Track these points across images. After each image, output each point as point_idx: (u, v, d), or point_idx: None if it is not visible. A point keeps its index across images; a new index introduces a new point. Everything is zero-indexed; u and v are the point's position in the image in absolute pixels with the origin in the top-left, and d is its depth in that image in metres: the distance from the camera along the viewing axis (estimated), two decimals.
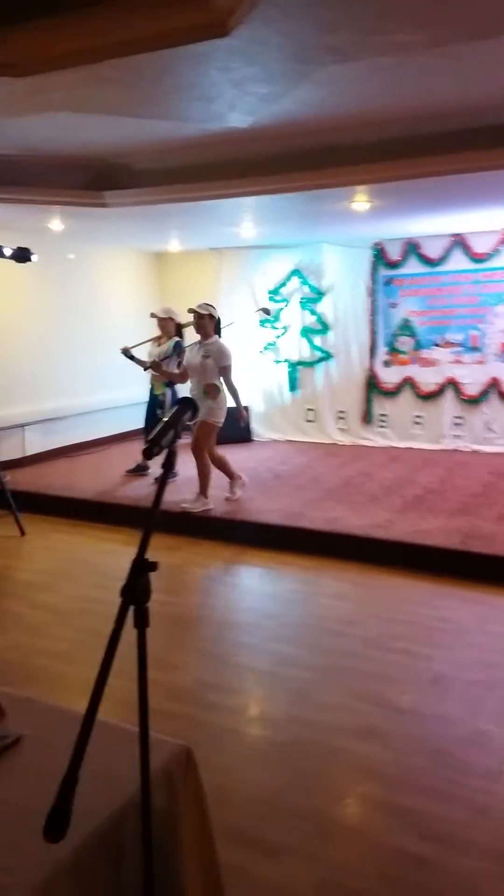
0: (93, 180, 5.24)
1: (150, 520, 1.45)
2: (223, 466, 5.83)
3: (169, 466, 1.54)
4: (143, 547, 1.41)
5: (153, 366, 6.17)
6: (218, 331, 6.89)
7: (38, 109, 3.24)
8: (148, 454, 1.55)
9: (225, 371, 5.65)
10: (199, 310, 5.73)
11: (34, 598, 4.35)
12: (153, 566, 1.39)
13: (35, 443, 7.36)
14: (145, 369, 6.31)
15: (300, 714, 2.98)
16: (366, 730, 2.84)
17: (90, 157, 5.05)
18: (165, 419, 1.56)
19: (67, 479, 6.67)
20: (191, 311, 5.78)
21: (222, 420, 5.66)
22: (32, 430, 7.29)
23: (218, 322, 6.92)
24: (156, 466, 6.73)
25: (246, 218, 6.24)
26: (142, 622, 1.37)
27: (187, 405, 1.58)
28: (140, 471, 6.78)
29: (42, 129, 4.19)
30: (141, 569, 1.39)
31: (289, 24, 2.46)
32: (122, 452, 7.69)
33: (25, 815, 1.36)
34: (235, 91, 3.04)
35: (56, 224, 6.31)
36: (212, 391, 5.59)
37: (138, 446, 7.05)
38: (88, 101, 3.06)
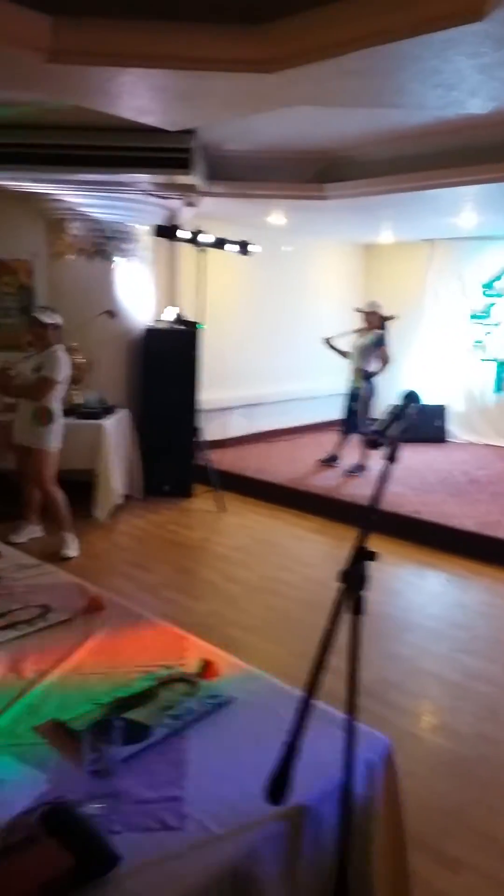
0: (316, 174, 5.33)
1: (371, 510, 1.47)
2: (56, 511, 4.62)
3: (392, 459, 1.52)
4: (364, 535, 1.43)
5: None
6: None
7: (281, 104, 3.35)
8: (373, 445, 1.55)
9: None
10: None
11: (229, 571, 4.59)
12: (373, 555, 1.41)
13: (237, 426, 7.73)
14: None
15: (489, 732, 2.83)
16: None
17: (314, 151, 5.14)
18: (389, 411, 1.56)
19: (264, 463, 6.92)
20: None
21: (59, 445, 4.51)
22: (236, 414, 7.66)
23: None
24: (348, 458, 6.73)
25: (467, 207, 5.96)
26: (358, 608, 1.39)
27: (411, 398, 1.57)
28: (332, 461, 6.83)
29: (271, 125, 4.35)
30: (362, 557, 1.41)
31: None
32: (316, 442, 7.80)
33: (239, 775, 1.45)
34: (480, 76, 2.90)
35: (276, 218, 6.52)
36: (44, 417, 4.39)
37: (332, 437, 7.10)
38: (330, 94, 3.09)
